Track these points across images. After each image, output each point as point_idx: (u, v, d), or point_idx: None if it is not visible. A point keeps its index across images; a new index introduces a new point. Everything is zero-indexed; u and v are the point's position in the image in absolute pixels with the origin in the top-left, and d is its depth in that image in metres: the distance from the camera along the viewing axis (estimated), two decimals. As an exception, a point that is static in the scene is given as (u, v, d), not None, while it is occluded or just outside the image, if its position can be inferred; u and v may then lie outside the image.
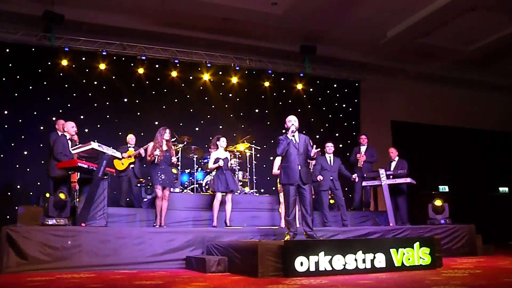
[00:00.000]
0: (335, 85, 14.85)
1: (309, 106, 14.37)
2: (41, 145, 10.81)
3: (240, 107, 13.65)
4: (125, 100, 12.61)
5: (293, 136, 6.60)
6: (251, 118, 13.64)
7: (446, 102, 16.28)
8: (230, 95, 13.65)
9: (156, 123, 12.06)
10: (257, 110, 13.84)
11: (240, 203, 9.79)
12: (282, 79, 14.18)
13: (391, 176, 9.81)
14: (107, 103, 12.39)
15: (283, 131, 7.12)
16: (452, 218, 9.49)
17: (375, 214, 10.64)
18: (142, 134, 11.41)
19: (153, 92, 12.89)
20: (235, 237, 7.64)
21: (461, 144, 16.35)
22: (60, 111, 11.59)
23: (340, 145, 13.45)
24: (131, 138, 10.06)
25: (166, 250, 7.24)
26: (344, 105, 14.95)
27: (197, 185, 10.49)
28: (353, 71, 14.75)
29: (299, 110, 13.91)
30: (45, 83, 11.79)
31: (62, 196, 7.00)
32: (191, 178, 10.72)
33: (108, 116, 12.31)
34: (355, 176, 9.60)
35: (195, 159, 10.77)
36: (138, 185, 9.82)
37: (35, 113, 11.58)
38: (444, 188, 15.94)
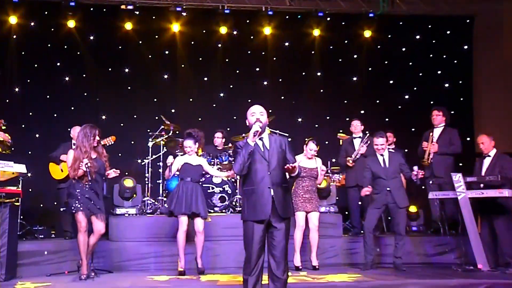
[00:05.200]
0: (429, 26, 11.32)
1: (385, 62, 11.35)
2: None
3: (278, 70, 11.20)
4: (109, 69, 10.79)
5: (261, 139, 4.88)
6: (295, 85, 11.24)
7: None
8: (263, 53, 11.20)
9: (155, 100, 10.83)
10: (304, 73, 11.29)
11: (229, 228, 7.68)
12: (343, 23, 11.31)
13: (481, 185, 6.68)
14: (83, 76, 10.60)
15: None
16: None
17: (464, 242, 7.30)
18: (135, 116, 10.57)
19: (149, 57, 10.86)
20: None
21: None
22: (16, 89, 10.21)
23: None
24: (75, 132, 8.11)
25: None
26: (444, 56, 11.41)
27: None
28: (460, 2, 11.10)
29: (370, 69, 11.29)
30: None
31: None
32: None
33: (85, 94, 10.58)
34: (416, 172, 6.76)
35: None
36: (62, 209, 8.10)
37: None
38: None
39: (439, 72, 11.37)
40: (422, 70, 11.43)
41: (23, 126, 9.93)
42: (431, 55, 11.39)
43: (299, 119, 10.86)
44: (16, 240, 6.73)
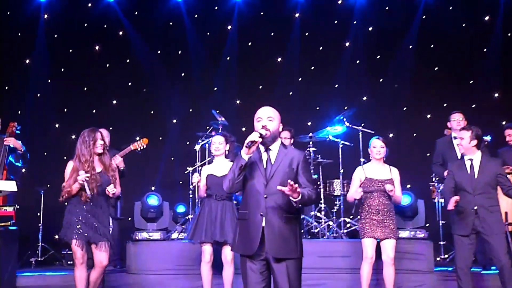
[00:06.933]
0: None
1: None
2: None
3: (375, 45, 9.64)
4: (158, 52, 9.86)
5: (267, 150, 4.17)
6: (405, 64, 9.42)
7: None
8: (355, 22, 9.66)
9: (215, 89, 9.75)
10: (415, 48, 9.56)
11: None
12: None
13: None
14: (127, 61, 9.71)
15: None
16: None
17: None
18: (190, 110, 9.64)
19: (207, 34, 9.87)
20: None
21: None
22: (48, 81, 9.61)
23: None
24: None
25: None
26: None
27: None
28: None
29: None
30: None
31: None
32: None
33: (129, 84, 9.70)
34: None
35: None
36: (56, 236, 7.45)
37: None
38: None
39: None
40: None
41: (56, 125, 9.30)
42: None
43: (428, 116, 8.92)
44: (14, 273, 6.33)
